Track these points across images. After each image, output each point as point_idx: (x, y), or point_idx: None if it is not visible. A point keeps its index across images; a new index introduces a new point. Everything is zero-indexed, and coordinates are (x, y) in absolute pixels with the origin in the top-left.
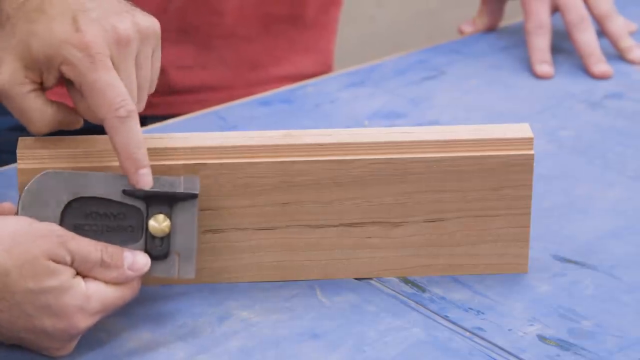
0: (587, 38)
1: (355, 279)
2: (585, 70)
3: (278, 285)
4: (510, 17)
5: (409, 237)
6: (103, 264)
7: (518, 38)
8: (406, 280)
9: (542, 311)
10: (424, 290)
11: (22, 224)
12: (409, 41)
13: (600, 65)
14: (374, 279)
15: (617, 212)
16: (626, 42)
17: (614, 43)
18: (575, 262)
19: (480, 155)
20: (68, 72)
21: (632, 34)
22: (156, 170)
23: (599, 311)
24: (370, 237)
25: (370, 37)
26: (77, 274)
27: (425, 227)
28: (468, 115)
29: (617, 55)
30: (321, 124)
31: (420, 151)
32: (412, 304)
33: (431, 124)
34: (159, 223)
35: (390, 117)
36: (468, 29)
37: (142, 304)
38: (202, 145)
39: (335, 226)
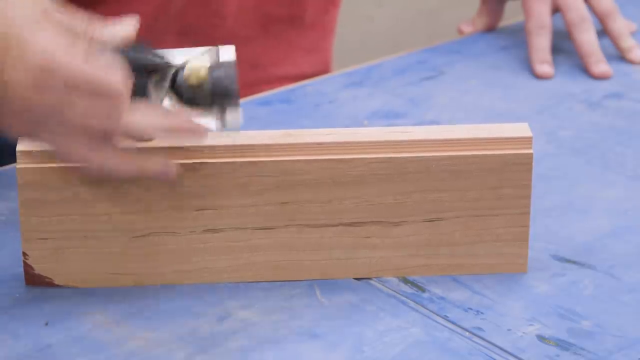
0: (587, 38)
1: (355, 278)
2: (585, 70)
3: (278, 285)
4: (510, 17)
5: (408, 236)
6: None
7: (518, 38)
8: (405, 280)
9: (541, 311)
10: (423, 290)
11: None
12: (409, 41)
13: (600, 65)
14: (373, 278)
15: (617, 212)
16: (627, 42)
17: (615, 42)
18: (575, 262)
19: (479, 155)
20: None
21: (633, 34)
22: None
23: (598, 311)
24: (369, 237)
25: (370, 37)
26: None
27: (425, 226)
28: (467, 116)
29: (617, 55)
30: (321, 124)
31: (419, 150)
32: (412, 303)
33: (430, 124)
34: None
35: (390, 117)
36: (467, 28)
37: (143, 304)
38: (202, 145)
39: (334, 226)
